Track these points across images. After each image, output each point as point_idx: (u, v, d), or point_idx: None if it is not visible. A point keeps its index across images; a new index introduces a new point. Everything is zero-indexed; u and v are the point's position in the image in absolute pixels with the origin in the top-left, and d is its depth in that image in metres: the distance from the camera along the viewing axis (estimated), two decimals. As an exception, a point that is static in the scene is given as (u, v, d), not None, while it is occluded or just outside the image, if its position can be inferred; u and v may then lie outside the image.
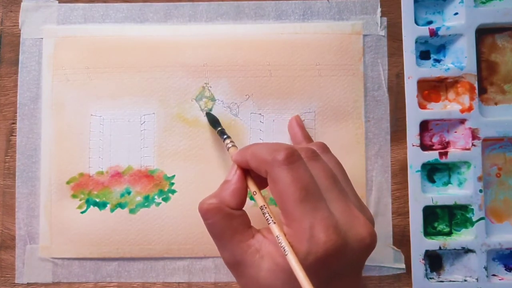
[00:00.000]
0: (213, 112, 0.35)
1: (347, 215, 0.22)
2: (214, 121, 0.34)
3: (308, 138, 0.33)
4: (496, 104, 0.35)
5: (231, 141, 0.31)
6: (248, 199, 0.34)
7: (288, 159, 0.22)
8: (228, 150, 0.30)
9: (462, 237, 0.34)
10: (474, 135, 0.34)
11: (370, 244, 0.22)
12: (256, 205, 0.25)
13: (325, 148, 0.27)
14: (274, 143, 0.25)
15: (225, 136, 0.31)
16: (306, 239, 0.21)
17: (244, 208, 0.25)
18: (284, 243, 0.21)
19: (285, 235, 0.22)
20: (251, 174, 0.26)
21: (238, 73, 0.35)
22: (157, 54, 0.35)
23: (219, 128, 0.33)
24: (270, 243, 0.23)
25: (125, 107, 0.35)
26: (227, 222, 0.24)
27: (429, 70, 0.34)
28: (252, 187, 0.26)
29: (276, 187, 0.22)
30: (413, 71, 0.34)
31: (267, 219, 0.23)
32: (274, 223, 0.23)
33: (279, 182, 0.22)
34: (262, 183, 0.26)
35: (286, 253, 0.21)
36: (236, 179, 0.25)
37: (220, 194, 0.25)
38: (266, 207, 0.24)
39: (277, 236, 0.22)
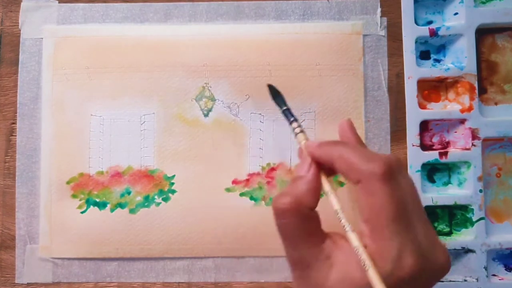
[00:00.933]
0: (213, 112, 0.35)
1: (429, 239, 0.22)
2: (278, 97, 0.30)
3: (362, 144, 0.30)
4: (496, 104, 0.35)
5: (299, 126, 0.27)
6: (248, 199, 0.34)
7: (387, 173, 0.21)
8: (296, 135, 0.26)
9: (462, 237, 0.34)
10: (474, 135, 0.34)
11: (447, 269, 0.22)
12: None
13: (402, 163, 0.25)
14: (365, 150, 0.24)
15: (292, 118, 0.27)
16: (391, 260, 0.20)
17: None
18: (365, 257, 0.20)
19: (365, 247, 0.21)
20: (324, 170, 0.24)
21: (238, 73, 0.35)
22: (157, 54, 0.35)
23: (285, 108, 0.28)
24: (342, 252, 0.22)
25: (125, 107, 0.35)
26: (303, 224, 0.22)
27: (429, 70, 0.34)
28: (327, 186, 0.24)
29: (371, 200, 0.21)
30: (413, 71, 0.34)
31: (344, 225, 0.22)
32: (353, 231, 0.21)
33: (375, 196, 0.21)
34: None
35: (366, 268, 0.20)
36: (312, 176, 0.23)
37: (295, 192, 0.23)
38: (342, 212, 0.22)
39: (356, 247, 0.21)
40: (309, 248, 0.22)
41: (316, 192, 0.23)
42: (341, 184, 0.33)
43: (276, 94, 0.30)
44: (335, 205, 0.23)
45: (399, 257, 0.20)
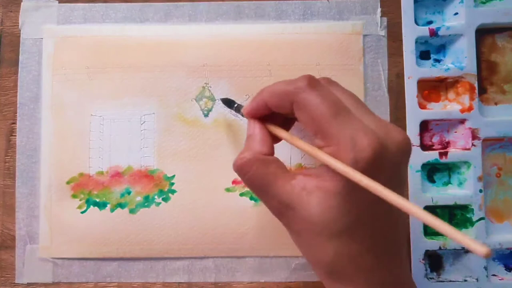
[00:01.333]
0: (213, 112, 0.35)
1: (379, 124, 0.22)
2: (229, 102, 0.33)
3: None
4: (496, 104, 0.35)
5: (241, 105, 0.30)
6: (248, 199, 0.34)
7: (311, 83, 0.22)
8: (242, 114, 0.29)
9: (462, 237, 0.34)
10: (474, 135, 0.34)
11: (407, 146, 0.23)
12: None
13: (335, 81, 0.27)
14: (286, 80, 0.26)
15: (236, 105, 0.31)
16: (350, 149, 0.21)
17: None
18: (325, 157, 0.21)
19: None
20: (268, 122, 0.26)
21: (238, 73, 0.35)
22: (157, 54, 0.35)
23: (236, 105, 0.32)
24: (314, 177, 0.22)
25: (125, 107, 0.35)
26: (265, 168, 0.24)
27: (429, 70, 0.34)
28: (275, 129, 0.26)
29: (306, 111, 0.22)
30: (413, 71, 0.34)
31: (303, 147, 0.23)
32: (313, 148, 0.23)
33: (308, 105, 0.22)
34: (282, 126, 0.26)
35: (335, 166, 0.21)
36: (258, 129, 0.26)
37: (249, 147, 0.25)
38: (297, 137, 0.24)
39: (318, 155, 0.22)
40: (281, 187, 0.23)
41: (267, 139, 0.25)
42: None
43: (228, 102, 0.33)
44: (285, 135, 0.25)
45: (354, 142, 0.21)
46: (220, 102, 0.34)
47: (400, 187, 0.23)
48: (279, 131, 0.26)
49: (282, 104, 0.24)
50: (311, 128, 0.22)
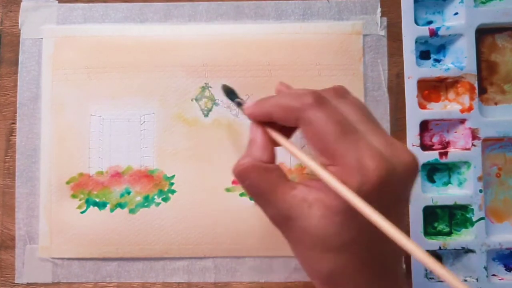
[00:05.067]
0: (212, 112, 0.35)
1: (386, 143, 0.22)
2: (230, 92, 0.31)
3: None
4: (496, 104, 0.35)
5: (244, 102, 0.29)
6: (248, 199, 0.34)
7: (318, 100, 0.22)
8: (242, 111, 0.28)
9: (462, 237, 0.34)
10: (474, 135, 0.34)
11: (415, 168, 0.22)
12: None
13: (346, 89, 0.26)
14: (294, 90, 0.25)
15: (238, 99, 0.30)
16: (356, 171, 0.20)
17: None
18: (330, 178, 0.21)
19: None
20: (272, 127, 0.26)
21: (238, 73, 0.35)
22: (157, 54, 0.35)
23: (237, 99, 0.30)
24: (316, 190, 0.22)
25: (125, 107, 0.35)
26: (265, 176, 0.23)
27: (429, 70, 0.34)
28: (277, 137, 0.25)
29: (312, 129, 0.22)
30: (413, 71, 0.34)
31: (306, 162, 0.23)
32: (317, 164, 0.22)
33: (314, 124, 0.22)
34: (285, 134, 0.26)
35: (338, 190, 0.20)
36: (261, 134, 0.25)
37: (250, 153, 0.24)
38: (298, 150, 0.23)
39: (322, 175, 0.21)
40: (281, 197, 0.22)
41: (268, 147, 0.25)
42: None
43: (229, 91, 0.31)
44: (291, 148, 0.24)
45: (360, 164, 0.20)
46: (222, 91, 0.32)
47: (403, 207, 0.23)
48: (280, 139, 0.25)
49: (287, 119, 0.23)
50: (316, 147, 0.22)
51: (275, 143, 0.25)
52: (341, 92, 0.24)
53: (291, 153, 0.24)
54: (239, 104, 0.30)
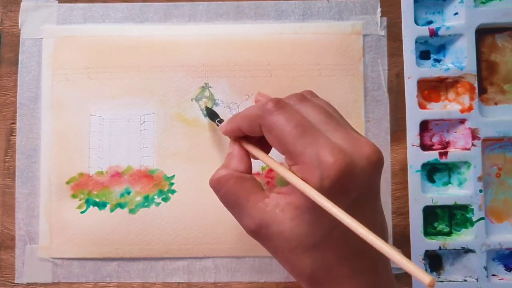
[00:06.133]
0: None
1: (348, 139, 0.22)
2: (212, 114, 0.33)
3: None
4: (496, 104, 0.35)
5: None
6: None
7: (277, 105, 0.23)
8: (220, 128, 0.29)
9: (462, 237, 0.34)
10: (474, 135, 0.34)
11: (377, 161, 0.22)
12: None
13: (312, 93, 0.27)
14: (258, 103, 0.26)
15: (219, 119, 0.32)
16: (315, 167, 0.21)
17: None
18: (295, 178, 0.22)
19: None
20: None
21: (238, 73, 0.35)
22: (157, 54, 0.35)
23: (218, 119, 0.32)
24: (288, 195, 0.23)
25: (125, 107, 0.35)
26: (240, 185, 0.24)
27: (429, 70, 0.34)
28: (249, 147, 0.26)
29: (272, 133, 0.23)
30: (413, 71, 0.34)
31: (273, 167, 0.24)
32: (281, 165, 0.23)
33: (274, 127, 0.22)
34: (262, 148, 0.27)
35: (300, 187, 0.21)
36: (237, 147, 0.26)
37: (227, 164, 0.26)
38: (269, 157, 0.25)
39: (286, 175, 0.22)
40: (255, 205, 0.23)
41: (246, 158, 0.26)
42: None
43: (212, 114, 0.33)
44: (258, 154, 0.25)
45: (319, 160, 0.21)
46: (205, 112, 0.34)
47: (373, 200, 0.23)
48: (252, 149, 0.26)
49: (253, 128, 0.24)
50: (279, 149, 0.23)
51: (253, 156, 0.26)
52: (304, 96, 0.25)
53: (262, 160, 0.25)
54: (221, 123, 0.31)
